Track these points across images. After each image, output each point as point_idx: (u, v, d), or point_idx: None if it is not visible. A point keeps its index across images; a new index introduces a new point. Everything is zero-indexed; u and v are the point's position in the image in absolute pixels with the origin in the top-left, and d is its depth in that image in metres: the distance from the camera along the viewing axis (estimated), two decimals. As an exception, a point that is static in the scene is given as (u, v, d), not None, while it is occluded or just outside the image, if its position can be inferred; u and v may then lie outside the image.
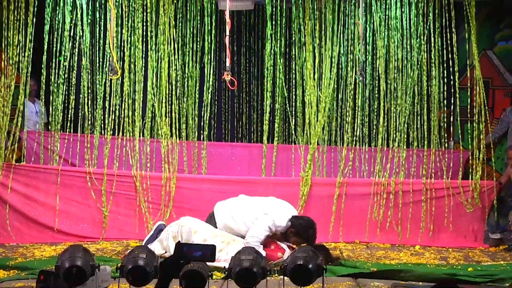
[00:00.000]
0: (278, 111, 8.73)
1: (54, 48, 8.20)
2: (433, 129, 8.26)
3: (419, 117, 8.33)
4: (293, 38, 8.58)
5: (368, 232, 8.01)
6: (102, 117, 8.20)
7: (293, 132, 8.89)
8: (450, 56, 8.16)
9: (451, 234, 7.96)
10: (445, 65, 8.22)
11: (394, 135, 8.23)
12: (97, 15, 8.30)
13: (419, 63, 8.28)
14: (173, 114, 8.33)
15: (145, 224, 7.87)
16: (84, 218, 7.88)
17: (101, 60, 8.36)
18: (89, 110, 8.30)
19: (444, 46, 8.20)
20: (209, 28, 8.51)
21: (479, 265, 6.83)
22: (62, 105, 8.24)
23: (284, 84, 8.68)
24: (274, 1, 8.28)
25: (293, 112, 8.86)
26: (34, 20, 7.95)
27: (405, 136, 8.22)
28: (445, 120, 8.20)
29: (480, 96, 8.03)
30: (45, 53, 8.20)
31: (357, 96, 8.46)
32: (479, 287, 6.03)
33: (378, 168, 8.19)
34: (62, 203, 7.86)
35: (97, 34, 8.41)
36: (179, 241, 4.71)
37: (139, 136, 8.17)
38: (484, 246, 7.91)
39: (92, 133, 8.24)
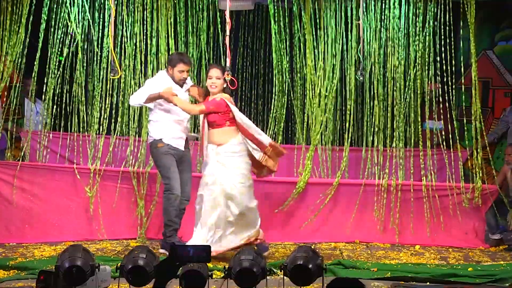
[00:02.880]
0: (278, 110, 8.72)
1: (53, 47, 8.20)
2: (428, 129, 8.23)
3: (418, 117, 8.33)
4: (294, 38, 8.55)
5: (368, 232, 7.99)
6: (106, 116, 8.18)
7: (295, 132, 8.87)
8: (450, 56, 8.15)
9: (451, 232, 7.94)
10: (438, 63, 8.21)
11: (394, 135, 8.22)
12: (97, 14, 8.27)
13: (419, 62, 8.26)
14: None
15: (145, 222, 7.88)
16: (84, 217, 7.88)
17: (100, 59, 8.34)
18: (91, 108, 8.30)
19: (438, 45, 8.19)
20: (204, 27, 8.51)
21: (479, 265, 6.83)
22: (58, 103, 8.24)
23: (283, 83, 8.66)
24: (275, 1, 8.27)
25: (293, 112, 8.85)
26: (32, 18, 7.96)
27: (403, 136, 8.21)
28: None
29: (477, 96, 8.04)
30: (40, 52, 8.18)
31: (355, 95, 8.45)
32: (479, 287, 6.03)
33: (378, 168, 8.17)
34: (62, 202, 7.87)
35: (97, 33, 8.37)
36: (173, 243, 4.72)
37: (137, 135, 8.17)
38: (484, 246, 7.90)
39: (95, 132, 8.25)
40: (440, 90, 8.15)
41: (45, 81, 8.16)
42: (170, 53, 8.07)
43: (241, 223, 6.74)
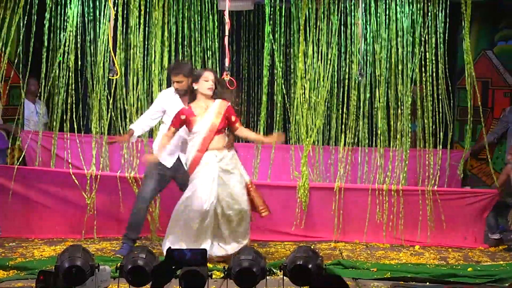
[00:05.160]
0: (278, 110, 8.72)
1: (54, 47, 8.19)
2: (429, 129, 8.21)
3: (419, 118, 8.34)
4: (292, 38, 8.55)
5: (368, 232, 7.99)
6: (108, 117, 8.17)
7: (294, 133, 8.86)
8: (449, 56, 8.16)
9: (450, 235, 7.94)
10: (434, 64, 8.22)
11: (395, 136, 8.22)
12: (98, 13, 8.26)
13: (418, 62, 8.26)
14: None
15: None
16: (82, 218, 7.88)
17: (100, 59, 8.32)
18: (91, 110, 8.30)
19: (437, 45, 8.20)
20: (203, 27, 8.51)
21: (478, 265, 6.84)
22: (64, 105, 8.23)
23: (283, 83, 8.66)
24: (273, 1, 8.27)
25: (292, 112, 8.84)
26: (35, 18, 7.96)
27: (399, 136, 8.21)
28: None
29: (473, 95, 8.06)
30: (44, 52, 8.18)
31: (355, 96, 8.45)
32: (479, 287, 6.04)
33: (377, 169, 8.17)
34: (62, 203, 7.87)
35: (97, 33, 8.36)
36: (170, 247, 4.73)
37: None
38: (484, 246, 7.90)
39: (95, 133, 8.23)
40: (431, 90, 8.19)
41: (43, 81, 8.16)
42: (169, 53, 8.10)
43: (234, 231, 6.67)
